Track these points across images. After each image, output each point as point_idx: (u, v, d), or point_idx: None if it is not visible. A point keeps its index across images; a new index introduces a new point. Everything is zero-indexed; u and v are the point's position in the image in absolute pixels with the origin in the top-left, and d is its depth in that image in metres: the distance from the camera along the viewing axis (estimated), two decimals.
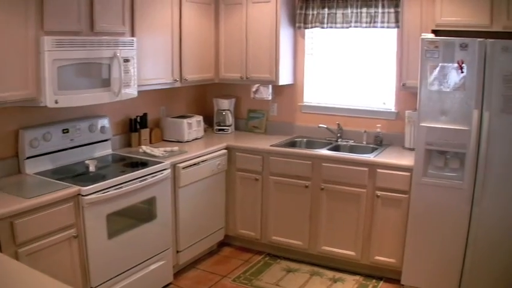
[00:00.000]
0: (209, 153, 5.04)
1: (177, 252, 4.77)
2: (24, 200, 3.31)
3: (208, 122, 5.97)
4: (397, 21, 5.01)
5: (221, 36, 5.65)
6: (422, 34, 4.37)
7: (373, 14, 5.14)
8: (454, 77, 4.09)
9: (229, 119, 5.93)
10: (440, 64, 4.12)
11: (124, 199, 3.99)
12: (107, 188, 3.81)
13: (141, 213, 4.29)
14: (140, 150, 4.79)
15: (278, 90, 5.88)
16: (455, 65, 4.07)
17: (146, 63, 4.66)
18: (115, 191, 3.87)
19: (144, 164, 4.37)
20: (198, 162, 4.86)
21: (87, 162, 4.19)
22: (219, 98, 5.96)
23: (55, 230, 3.46)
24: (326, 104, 5.77)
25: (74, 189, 3.60)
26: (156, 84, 4.87)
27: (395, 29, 5.16)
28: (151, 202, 4.33)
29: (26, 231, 3.25)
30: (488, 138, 4.01)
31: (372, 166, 4.72)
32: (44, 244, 3.38)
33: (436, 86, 4.17)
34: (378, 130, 5.38)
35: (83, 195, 3.62)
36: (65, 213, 3.53)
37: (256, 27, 5.44)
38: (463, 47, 4.03)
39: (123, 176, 4.01)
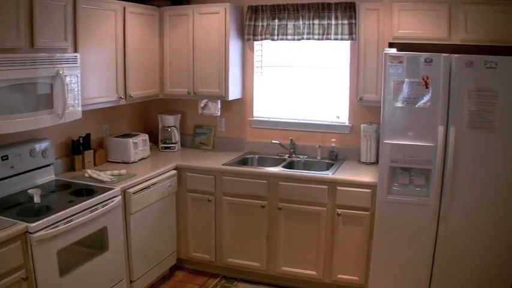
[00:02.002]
0: (159, 175, 4.74)
1: (131, 282, 4.46)
2: None
3: (153, 139, 5.65)
4: (351, 33, 4.89)
5: (166, 49, 5.35)
6: (385, 49, 4.28)
7: (326, 26, 4.99)
8: (419, 92, 4.00)
9: (175, 136, 5.64)
10: (404, 80, 4.02)
11: (74, 232, 3.64)
12: (56, 223, 3.45)
13: (92, 245, 3.94)
14: (86, 174, 4.43)
15: (226, 104, 5.64)
16: (420, 80, 3.96)
17: (90, 80, 4.31)
18: (65, 225, 3.51)
19: (92, 191, 4.03)
20: (149, 186, 4.55)
21: (30, 191, 3.81)
22: (164, 114, 5.66)
23: (2, 274, 3.08)
24: (277, 119, 5.58)
25: (21, 226, 3.22)
26: (101, 102, 4.54)
27: (349, 42, 5.03)
28: (102, 232, 3.98)
29: None
30: (454, 153, 3.94)
31: (332, 184, 4.58)
32: None
33: (400, 102, 4.06)
34: (333, 144, 5.24)
35: (31, 233, 3.25)
36: (12, 254, 3.15)
37: (203, 39, 5.18)
38: (428, 62, 3.94)
39: (73, 208, 3.65)
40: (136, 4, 4.93)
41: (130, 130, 5.55)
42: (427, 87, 3.95)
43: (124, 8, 4.69)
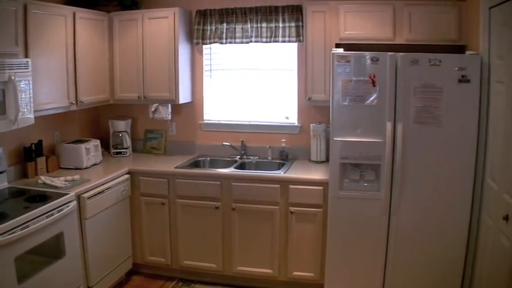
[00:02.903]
0: (112, 180, 4.72)
1: None
2: None
3: (105, 145, 5.61)
4: (298, 35, 5.01)
5: (116, 54, 5.34)
6: (333, 49, 4.38)
7: (273, 29, 5.10)
8: (367, 90, 4.12)
9: (127, 141, 5.63)
10: (352, 78, 4.13)
11: (31, 239, 3.61)
12: (12, 229, 3.42)
13: (49, 251, 3.90)
14: (39, 181, 4.38)
15: (176, 108, 5.68)
16: (368, 78, 4.09)
17: (41, 86, 4.27)
18: (22, 231, 3.48)
19: (46, 197, 3.99)
20: (103, 191, 4.53)
21: None
22: (115, 120, 5.64)
23: None
24: (228, 121, 5.65)
25: None
26: (52, 108, 4.50)
27: (297, 44, 5.16)
28: (59, 238, 3.95)
29: None
30: (403, 148, 4.07)
31: (284, 182, 4.67)
32: None
33: (348, 100, 4.17)
34: (283, 145, 5.34)
35: None
36: None
37: (153, 44, 5.20)
38: (374, 60, 4.08)
39: (28, 214, 3.61)
40: (86, 9, 4.91)
41: (82, 136, 5.52)
42: (374, 85, 4.08)
43: (74, 14, 4.68)
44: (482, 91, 3.92)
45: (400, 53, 4.02)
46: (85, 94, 4.92)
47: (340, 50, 4.31)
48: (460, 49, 4.40)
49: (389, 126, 4.08)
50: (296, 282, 4.82)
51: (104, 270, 4.63)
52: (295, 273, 4.78)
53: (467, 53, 4.14)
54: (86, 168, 4.99)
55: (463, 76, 3.92)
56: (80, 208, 4.26)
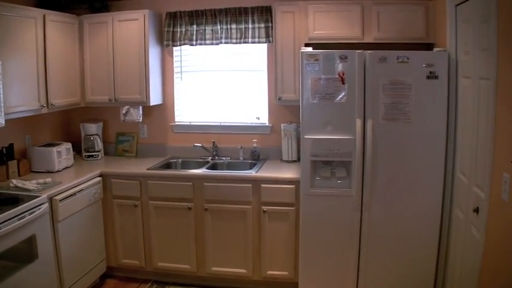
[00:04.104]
0: (84, 182, 4.71)
1: None
2: None
3: (76, 148, 5.58)
4: (268, 36, 5.07)
5: (86, 56, 5.33)
6: (302, 48, 4.43)
7: (243, 30, 5.15)
8: (336, 88, 4.17)
9: (98, 144, 5.62)
10: (321, 76, 4.18)
11: (3, 241, 3.59)
12: None
13: (22, 255, 3.88)
14: (11, 184, 4.35)
15: (148, 111, 5.69)
16: (337, 76, 4.15)
17: (12, 88, 4.25)
18: None
19: (18, 200, 3.96)
20: (75, 193, 4.51)
21: None
22: (86, 123, 5.63)
23: None
24: (199, 122, 5.68)
25: None
26: (23, 111, 4.47)
27: (266, 44, 5.21)
28: (31, 241, 3.93)
29: None
30: (373, 145, 4.13)
31: (255, 182, 4.70)
32: None
33: (318, 98, 4.22)
34: (254, 145, 5.38)
35: None
36: None
37: (123, 46, 5.21)
38: (343, 58, 4.13)
39: (0, 216, 3.58)
40: (56, 12, 4.90)
41: (53, 140, 5.49)
42: (343, 83, 4.14)
43: (44, 16, 4.67)
44: (450, 87, 4.00)
45: (369, 51, 4.08)
46: (56, 97, 4.90)
47: (309, 49, 4.36)
48: (428, 47, 4.50)
49: (358, 123, 4.13)
50: (271, 282, 4.85)
51: (77, 273, 4.60)
52: (269, 272, 4.81)
53: (435, 49, 4.23)
54: (57, 171, 4.96)
55: (431, 72, 4.00)
56: (52, 210, 4.24)
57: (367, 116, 4.13)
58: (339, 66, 4.14)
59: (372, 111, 4.11)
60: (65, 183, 4.50)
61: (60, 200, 4.30)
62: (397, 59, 4.04)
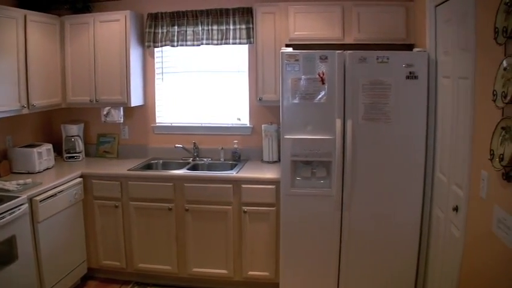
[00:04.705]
0: (65, 183, 4.69)
1: None
2: None
3: (57, 150, 5.57)
4: (249, 37, 5.10)
5: (67, 57, 5.32)
6: (282, 48, 4.46)
7: (224, 31, 5.17)
8: (316, 88, 4.20)
9: (79, 146, 5.60)
10: (301, 77, 4.21)
11: None
12: None
13: (2, 255, 3.84)
14: None
15: (128, 112, 5.69)
16: (317, 76, 4.18)
17: None
18: None
19: None
20: (55, 194, 4.50)
21: None
22: (67, 124, 5.61)
23: None
24: (180, 123, 5.69)
25: None
26: (3, 111, 4.45)
27: (247, 45, 5.24)
28: (11, 242, 3.91)
29: None
30: (353, 145, 4.16)
31: (236, 182, 4.71)
32: None
33: (298, 98, 4.24)
34: (235, 146, 5.40)
35: None
36: None
37: (104, 47, 5.20)
38: (323, 59, 4.17)
39: None
40: (37, 12, 4.89)
41: (34, 141, 5.47)
42: (323, 83, 4.17)
43: (25, 16, 4.66)
44: (430, 87, 4.04)
45: (349, 51, 4.12)
46: (37, 97, 4.88)
47: (290, 50, 4.39)
48: (408, 47, 4.53)
49: (338, 123, 4.16)
50: (252, 282, 4.86)
51: (58, 275, 4.59)
52: (250, 272, 4.82)
53: (415, 50, 4.28)
54: (38, 172, 4.94)
55: (410, 72, 4.04)
56: (32, 211, 4.22)
57: (347, 116, 4.15)
58: (319, 67, 4.17)
59: (352, 111, 4.14)
60: (46, 184, 4.49)
61: (40, 201, 4.28)
62: (377, 59, 4.07)
